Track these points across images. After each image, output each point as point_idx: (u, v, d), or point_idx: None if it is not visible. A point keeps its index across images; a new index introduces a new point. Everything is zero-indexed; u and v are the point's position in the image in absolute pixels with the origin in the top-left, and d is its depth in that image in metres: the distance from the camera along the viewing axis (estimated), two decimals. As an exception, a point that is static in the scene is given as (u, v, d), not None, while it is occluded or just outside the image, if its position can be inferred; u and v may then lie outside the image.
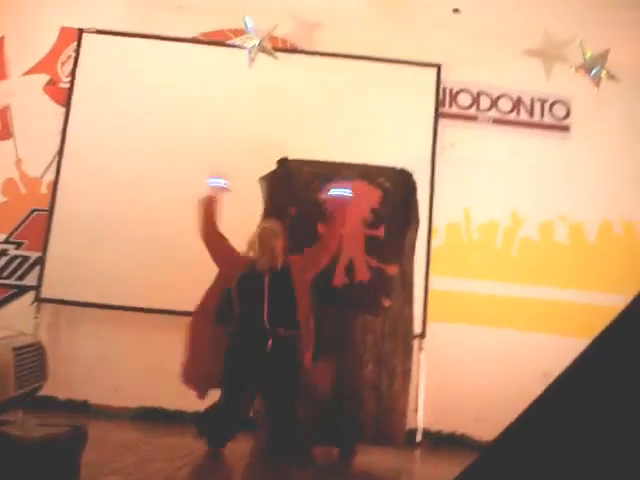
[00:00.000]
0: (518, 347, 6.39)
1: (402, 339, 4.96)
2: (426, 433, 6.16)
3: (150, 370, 6.14)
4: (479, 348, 6.42)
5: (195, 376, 4.55)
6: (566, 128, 6.91)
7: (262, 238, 4.70)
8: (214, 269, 6.15)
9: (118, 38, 6.77)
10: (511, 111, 6.93)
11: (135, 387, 6.13)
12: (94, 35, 6.76)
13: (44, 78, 6.86)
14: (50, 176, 6.56)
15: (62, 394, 6.08)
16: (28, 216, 6.58)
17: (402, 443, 4.91)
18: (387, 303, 4.91)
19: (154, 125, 6.57)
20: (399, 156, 5.90)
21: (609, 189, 6.76)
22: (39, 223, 6.48)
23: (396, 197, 5.27)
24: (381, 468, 4.71)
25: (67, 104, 6.63)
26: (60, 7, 6.94)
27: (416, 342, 5.97)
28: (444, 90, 6.89)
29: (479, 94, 6.95)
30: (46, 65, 6.89)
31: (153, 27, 6.76)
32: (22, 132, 6.73)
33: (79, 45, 6.74)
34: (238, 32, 6.63)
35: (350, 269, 4.92)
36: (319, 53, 6.80)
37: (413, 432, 6.03)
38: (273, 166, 5.35)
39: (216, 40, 6.82)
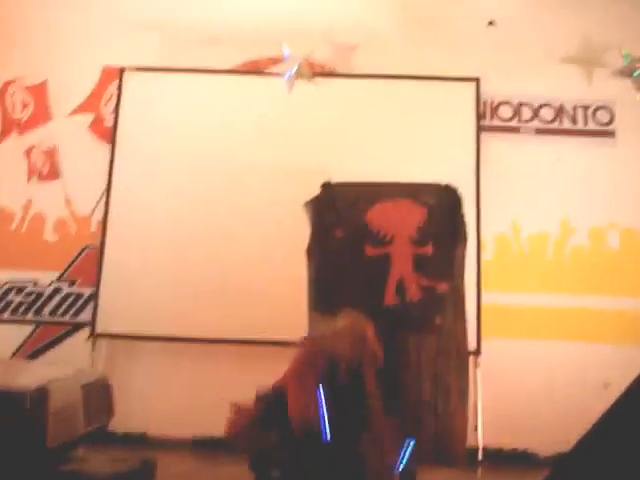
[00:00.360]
0: (575, 359, 6.28)
1: (456, 357, 4.89)
2: (487, 451, 6.06)
3: (206, 399, 6.15)
4: (536, 362, 6.31)
5: None
6: (611, 133, 6.81)
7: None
8: (266, 298, 6.20)
9: (158, 74, 6.90)
10: (554, 120, 6.86)
11: (192, 417, 6.13)
12: (135, 72, 6.89)
13: (89, 117, 7.00)
14: (99, 213, 6.68)
15: (119, 428, 6.10)
16: (80, 254, 6.70)
17: (463, 463, 4.82)
18: (439, 321, 4.86)
19: (198, 157, 6.65)
20: (443, 172, 5.85)
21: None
22: (90, 260, 6.59)
23: (442, 214, 5.23)
24: (443, 489, 4.64)
25: (112, 141, 6.77)
26: (100, 47, 7.09)
27: (472, 359, 5.90)
28: (484, 103, 6.85)
29: (520, 105, 6.90)
30: (90, 104, 7.03)
31: (192, 60, 6.87)
32: (70, 172, 6.88)
33: (121, 83, 6.89)
34: (276, 60, 6.68)
35: (400, 289, 4.88)
36: (357, 75, 6.84)
37: (474, 451, 5.94)
38: (317, 191, 5.35)
39: (254, 69, 6.89)
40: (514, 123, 6.87)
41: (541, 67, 6.71)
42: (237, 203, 6.49)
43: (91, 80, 7.09)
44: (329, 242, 5.11)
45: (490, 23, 6.93)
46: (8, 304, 6.65)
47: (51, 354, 6.52)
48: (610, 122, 6.84)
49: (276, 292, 6.15)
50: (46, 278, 6.67)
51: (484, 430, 6.10)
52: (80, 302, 6.61)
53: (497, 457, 6.02)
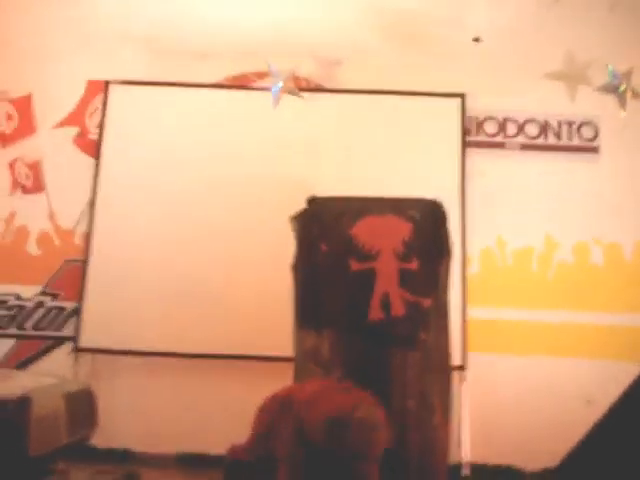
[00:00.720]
0: (560, 374, 6.29)
1: (439, 372, 4.88)
2: (472, 466, 6.05)
3: (190, 415, 6.13)
4: (521, 377, 6.32)
5: None
6: (595, 149, 6.85)
7: None
8: (252, 313, 6.17)
9: (144, 87, 6.88)
10: (538, 136, 6.89)
11: (176, 433, 6.11)
12: (120, 86, 6.88)
13: (73, 130, 6.97)
14: (83, 227, 6.64)
15: (102, 443, 6.05)
16: (63, 267, 6.65)
17: (445, 479, 4.80)
18: (424, 337, 4.85)
19: (183, 171, 6.64)
20: (428, 187, 5.84)
21: (643, 208, 6.68)
22: (74, 274, 6.54)
23: (427, 228, 5.23)
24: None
25: (97, 155, 6.74)
26: (85, 60, 7.05)
27: (457, 374, 5.90)
28: (470, 119, 6.88)
29: (505, 120, 6.93)
30: (74, 118, 7.00)
31: (177, 74, 6.86)
32: (54, 185, 6.84)
33: (106, 96, 6.86)
34: (262, 75, 6.69)
35: (385, 304, 4.87)
36: (343, 90, 6.85)
37: (459, 466, 5.93)
38: (303, 205, 5.35)
39: (240, 84, 6.90)
40: (499, 138, 6.90)
41: (526, 83, 6.76)
42: (222, 217, 6.47)
43: (76, 93, 7.05)
44: (314, 256, 5.10)
45: (475, 39, 6.96)
46: (-10, 317, 6.60)
47: (33, 368, 6.45)
48: (594, 138, 6.88)
49: (262, 307, 6.14)
50: (29, 291, 6.61)
51: (469, 445, 6.08)
52: (63, 316, 6.56)
53: (482, 472, 6.01)
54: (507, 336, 6.44)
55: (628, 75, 6.31)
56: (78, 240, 6.67)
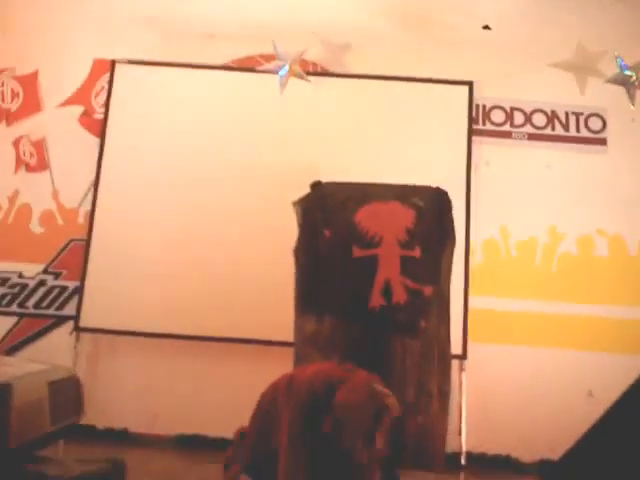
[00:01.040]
0: (561, 366, 6.28)
1: (439, 360, 4.88)
2: (470, 456, 6.05)
3: (190, 397, 6.14)
4: (522, 368, 6.31)
5: None
6: (603, 141, 6.81)
7: None
8: (253, 297, 6.17)
9: (150, 68, 6.84)
10: (546, 126, 6.85)
11: (175, 414, 6.12)
12: (126, 65, 6.84)
13: (78, 109, 6.94)
14: (87, 206, 6.63)
15: (102, 423, 6.09)
16: (66, 246, 6.64)
17: (442, 467, 4.80)
18: (424, 324, 4.85)
19: (188, 153, 6.61)
20: (433, 175, 5.85)
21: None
22: (77, 253, 6.54)
23: (431, 216, 5.21)
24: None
25: (102, 135, 6.71)
26: (92, 39, 7.03)
27: (457, 363, 5.89)
28: (477, 107, 6.83)
29: (512, 110, 6.88)
30: (80, 97, 6.97)
31: (183, 55, 6.82)
32: (58, 164, 6.82)
33: (112, 76, 6.82)
34: (269, 57, 6.65)
35: (387, 291, 4.86)
36: (350, 75, 6.81)
37: (457, 455, 5.94)
38: (307, 190, 5.33)
39: (247, 66, 6.86)
40: (506, 128, 6.85)
41: (535, 72, 6.70)
42: (227, 200, 6.45)
43: (82, 72, 7.02)
44: (317, 242, 5.09)
45: (485, 27, 6.91)
46: (-8, 295, 6.60)
47: (34, 347, 6.46)
48: (602, 130, 6.84)
49: (264, 291, 6.12)
50: (31, 270, 6.61)
51: (468, 435, 6.08)
52: (65, 295, 6.56)
53: (480, 462, 6.01)
54: (509, 327, 6.42)
55: (637, 67, 6.26)
56: (81, 219, 6.66)
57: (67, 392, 3.98)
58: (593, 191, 6.68)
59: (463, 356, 6.13)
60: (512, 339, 6.37)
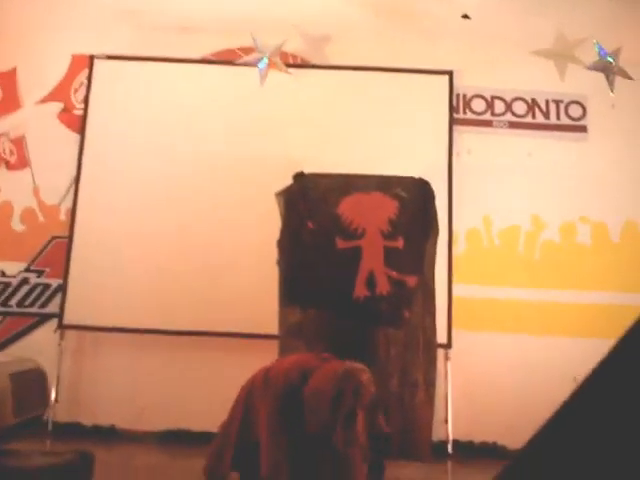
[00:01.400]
0: (546, 352, 6.30)
1: (424, 350, 4.89)
2: (457, 444, 6.07)
3: (176, 392, 6.13)
4: (507, 355, 6.34)
5: None
6: (583, 128, 6.83)
7: None
8: (237, 290, 6.15)
9: (129, 62, 6.81)
10: (526, 114, 6.86)
11: (161, 410, 6.11)
12: (105, 61, 6.80)
13: (58, 106, 6.89)
14: (68, 203, 6.59)
15: (88, 420, 6.07)
16: (48, 244, 6.60)
17: (428, 456, 4.82)
18: (407, 314, 4.86)
19: (169, 147, 6.58)
20: (415, 165, 5.86)
21: (630, 187, 6.68)
22: (59, 250, 6.50)
23: (414, 207, 5.23)
24: (412, 482, 4.64)
25: (82, 131, 6.67)
26: (70, 35, 6.96)
27: (442, 352, 5.91)
28: (457, 96, 6.84)
29: (493, 99, 6.89)
30: (59, 93, 6.92)
31: (163, 49, 6.78)
32: (38, 161, 6.77)
33: (91, 72, 6.79)
34: (249, 50, 6.63)
35: (370, 282, 4.87)
36: (330, 67, 6.80)
37: (444, 444, 5.96)
38: (289, 181, 5.33)
39: (226, 59, 6.83)
40: (487, 116, 6.86)
41: (515, 61, 6.72)
42: (209, 193, 6.43)
43: (61, 68, 6.97)
44: (300, 234, 5.10)
45: (464, 16, 6.91)
46: (-26, 295, 6.55)
47: (19, 346, 6.41)
48: (582, 117, 6.86)
49: (248, 284, 6.11)
50: (13, 268, 6.56)
51: (454, 423, 6.10)
52: (48, 293, 6.52)
53: (467, 450, 6.03)
54: (493, 315, 6.45)
55: (617, 54, 6.29)
56: (63, 216, 6.62)
57: (31, 384, 3.92)
58: (575, 178, 6.70)
59: (448, 345, 6.15)
60: (496, 327, 6.40)
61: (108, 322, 6.21)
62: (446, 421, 6.07)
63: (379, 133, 6.56)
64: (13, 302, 6.53)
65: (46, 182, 6.70)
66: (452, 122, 6.67)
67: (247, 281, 6.12)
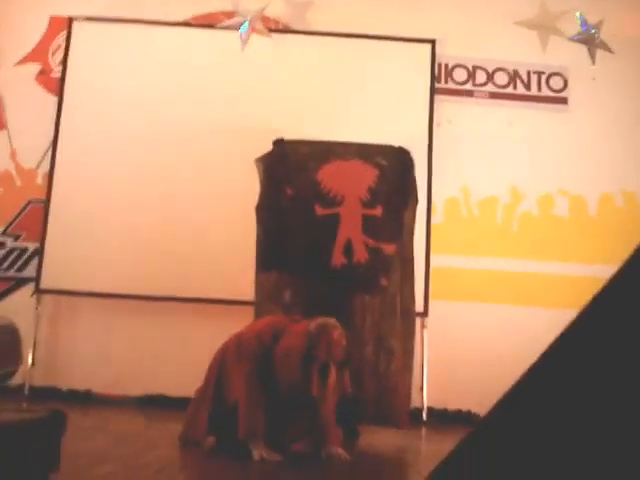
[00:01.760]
0: (522, 322, 6.36)
1: (402, 318, 4.92)
2: (431, 411, 6.14)
3: (152, 357, 6.14)
4: (483, 325, 6.39)
5: None
6: (564, 100, 6.84)
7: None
8: (214, 256, 6.15)
9: (108, 25, 6.70)
10: (508, 85, 6.86)
11: (138, 375, 6.11)
12: (84, 22, 6.70)
13: (36, 68, 6.80)
14: (46, 167, 6.52)
15: (64, 384, 6.07)
16: (25, 208, 6.55)
17: (406, 423, 4.87)
18: (385, 282, 4.88)
19: (148, 111, 6.52)
20: (396, 134, 5.85)
21: (609, 160, 6.71)
22: (36, 214, 6.44)
23: (393, 175, 5.23)
24: (385, 447, 4.68)
25: (59, 93, 6.58)
26: (48, -5, 6.86)
27: (419, 321, 5.95)
28: (439, 66, 6.81)
29: (475, 69, 6.88)
30: (37, 55, 6.82)
31: (142, 12, 6.68)
32: (16, 123, 6.68)
33: (69, 33, 6.68)
34: (231, 15, 6.55)
35: (348, 249, 4.88)
36: (312, 32, 6.73)
37: (419, 411, 6.02)
38: (269, 147, 5.30)
39: (207, 23, 6.75)
40: (468, 86, 6.85)
41: (497, 31, 6.71)
42: (187, 159, 6.39)
43: (39, 30, 6.86)
44: (279, 200, 5.09)
45: (448, -16, 6.87)
46: (-50, 258, 6.50)
47: (-5, 309, 6.39)
48: (563, 89, 6.86)
49: (226, 250, 6.11)
50: (-11, 232, 6.51)
51: (429, 391, 6.17)
52: (25, 257, 6.48)
53: (441, 417, 6.10)
54: (470, 284, 6.49)
55: (599, 27, 6.29)
56: (40, 180, 6.56)
57: (2, 341, 3.90)
58: (554, 151, 6.72)
59: (425, 313, 6.19)
60: (473, 296, 6.45)
61: (85, 287, 6.19)
62: (421, 389, 6.13)
63: (360, 101, 6.53)
64: (-11, 265, 6.49)
65: (23, 145, 6.62)
66: (433, 91, 6.65)
67: (225, 247, 6.12)
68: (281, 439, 3.73)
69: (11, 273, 6.48)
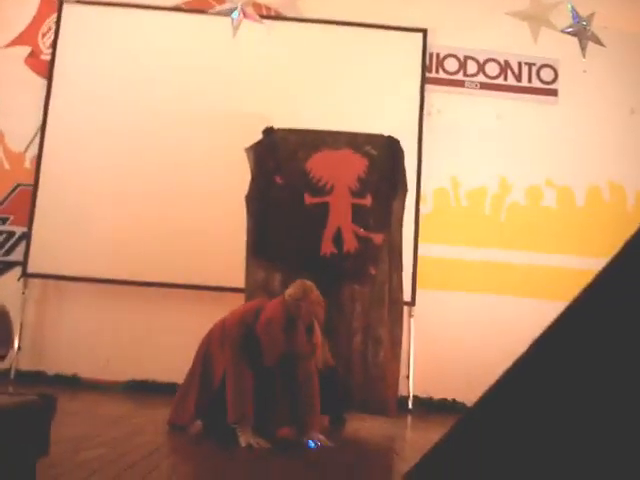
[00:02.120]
0: (508, 313, 6.40)
1: (390, 307, 4.94)
2: (417, 400, 6.18)
3: (140, 343, 6.14)
4: (469, 314, 6.43)
5: None
6: (554, 92, 6.86)
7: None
8: (204, 243, 6.14)
9: (99, 8, 6.67)
10: (498, 76, 6.87)
11: (125, 360, 6.11)
12: (74, 5, 6.65)
13: (25, 50, 6.75)
14: (34, 150, 6.49)
15: (51, 369, 6.07)
16: (12, 191, 6.51)
17: (394, 411, 4.90)
18: (373, 271, 4.89)
19: (138, 97, 6.50)
20: (386, 123, 5.85)
21: (597, 152, 6.75)
22: (24, 198, 6.42)
23: (383, 165, 5.24)
24: (371, 435, 4.71)
25: (49, 76, 6.54)
26: (39, -23, 6.80)
27: (406, 310, 5.97)
28: (430, 55, 6.82)
29: (466, 59, 6.88)
30: (27, 37, 6.77)
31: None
32: (4, 106, 6.63)
33: (59, 16, 6.63)
34: (221, 0, 6.53)
35: (338, 238, 4.89)
36: (303, 20, 6.72)
37: (405, 399, 6.06)
38: (259, 136, 5.30)
39: (199, 8, 6.72)
40: (459, 77, 6.86)
41: (489, 22, 6.72)
42: (178, 145, 6.37)
43: (29, 12, 6.80)
44: (269, 189, 5.09)
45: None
46: (-64, 242, 6.46)
47: (-18, 293, 6.36)
48: (554, 81, 6.88)
49: (215, 237, 6.12)
50: (-23, 215, 6.48)
51: (415, 379, 6.21)
52: (12, 241, 6.45)
53: (426, 406, 6.15)
54: (457, 274, 6.53)
55: (590, 19, 6.30)
56: (28, 164, 6.53)
57: None
58: (543, 142, 6.75)
59: (412, 302, 6.22)
60: (460, 286, 6.48)
61: (72, 271, 6.18)
62: (408, 377, 6.16)
63: (351, 89, 6.53)
64: (-24, 249, 6.46)
65: (12, 128, 6.58)
66: (424, 81, 6.66)
67: (215, 234, 6.12)
68: (267, 424, 3.76)
69: (-2, 257, 6.45)
